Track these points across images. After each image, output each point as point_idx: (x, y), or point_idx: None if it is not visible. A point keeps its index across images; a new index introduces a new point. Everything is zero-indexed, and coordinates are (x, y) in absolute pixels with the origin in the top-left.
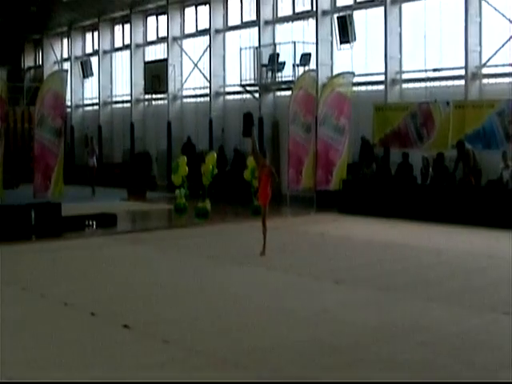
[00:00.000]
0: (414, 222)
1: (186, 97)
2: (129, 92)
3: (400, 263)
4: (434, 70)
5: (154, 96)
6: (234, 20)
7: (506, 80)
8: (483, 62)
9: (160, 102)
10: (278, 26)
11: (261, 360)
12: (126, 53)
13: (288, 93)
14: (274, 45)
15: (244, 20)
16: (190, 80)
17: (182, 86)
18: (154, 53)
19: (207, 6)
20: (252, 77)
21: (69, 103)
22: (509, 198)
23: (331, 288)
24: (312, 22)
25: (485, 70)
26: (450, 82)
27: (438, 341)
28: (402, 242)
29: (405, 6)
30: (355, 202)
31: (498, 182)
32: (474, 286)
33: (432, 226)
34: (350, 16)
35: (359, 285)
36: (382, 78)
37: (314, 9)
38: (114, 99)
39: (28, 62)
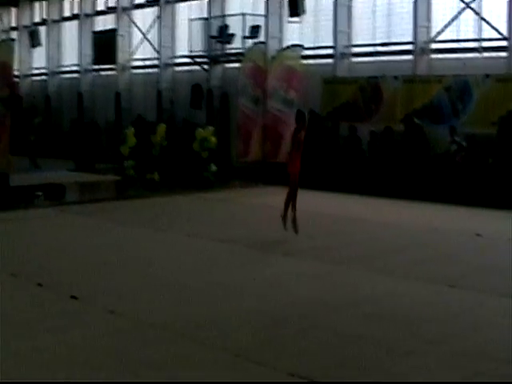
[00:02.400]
0: (362, 195)
1: (135, 68)
2: (77, 62)
3: (347, 236)
4: (383, 44)
5: (102, 66)
6: None
7: (454, 56)
8: (432, 37)
9: (109, 72)
10: None
11: (211, 332)
12: (75, 23)
13: (237, 65)
14: (224, 17)
15: None
16: (139, 51)
17: (131, 56)
18: (104, 23)
19: None
20: (201, 48)
21: (17, 73)
22: (455, 172)
23: (279, 260)
24: None
25: (433, 46)
26: (398, 57)
27: (385, 313)
28: (350, 215)
29: None
30: (303, 174)
31: (445, 156)
32: (420, 258)
33: (380, 200)
34: None
35: (307, 257)
36: (331, 51)
37: None
38: (63, 69)
39: None
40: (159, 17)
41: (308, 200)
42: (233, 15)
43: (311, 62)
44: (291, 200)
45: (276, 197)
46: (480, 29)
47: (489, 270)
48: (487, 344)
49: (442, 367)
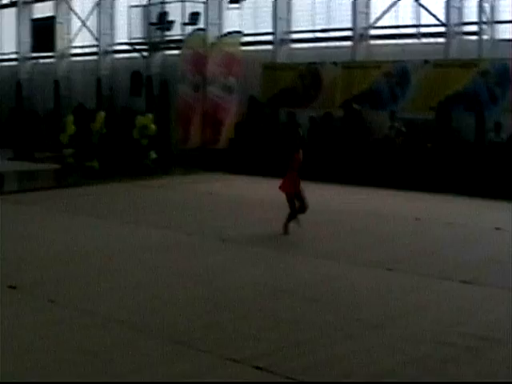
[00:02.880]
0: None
1: (75, 55)
2: (16, 50)
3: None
4: (323, 30)
5: (41, 54)
6: None
7: (393, 42)
8: (371, 23)
9: (48, 60)
10: None
11: (152, 319)
12: (13, 10)
13: (177, 52)
14: (163, 3)
15: None
16: (79, 38)
17: (70, 44)
18: (42, 10)
19: None
20: (141, 35)
21: None
22: (395, 157)
23: (218, 246)
24: None
25: (372, 32)
26: (338, 43)
27: (325, 297)
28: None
29: None
30: (243, 161)
31: (384, 140)
32: (360, 243)
33: (318, 185)
34: None
35: (247, 243)
36: (270, 37)
37: None
38: (1, 57)
39: None
40: (98, 4)
41: (246, 186)
42: (172, 2)
43: (251, 48)
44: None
45: (216, 183)
46: (418, 15)
47: (427, 253)
48: (427, 327)
49: (382, 350)
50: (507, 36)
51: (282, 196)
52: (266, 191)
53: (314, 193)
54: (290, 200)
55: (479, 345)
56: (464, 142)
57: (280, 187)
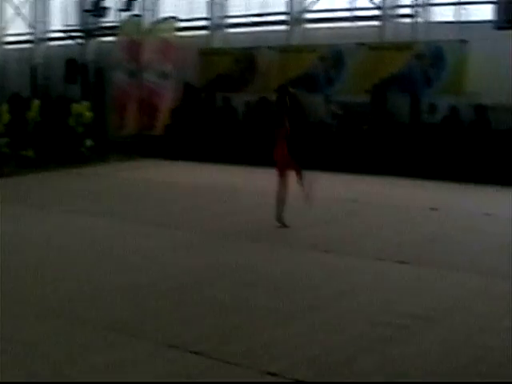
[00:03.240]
0: (237, 165)
1: (8, 43)
2: None
3: (224, 206)
4: (258, 15)
5: None
6: None
7: (328, 25)
8: (306, 7)
9: None
10: None
11: (86, 307)
12: None
13: (112, 39)
14: None
15: None
16: (12, 26)
17: (4, 32)
18: None
19: None
20: (76, 23)
21: None
22: (331, 140)
23: (154, 232)
24: None
25: (307, 16)
26: (273, 27)
27: (261, 281)
28: (226, 185)
29: None
30: (179, 147)
31: (320, 124)
32: (297, 225)
33: (256, 169)
34: None
35: (183, 228)
36: (206, 23)
37: None
38: None
39: None
40: None
41: (182, 172)
42: None
43: (186, 33)
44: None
45: (152, 170)
46: None
47: (363, 234)
48: (363, 307)
49: (320, 331)
50: (441, 18)
51: (216, 181)
52: (201, 177)
53: (255, 177)
54: (280, 170)
55: (414, 323)
56: (399, 124)
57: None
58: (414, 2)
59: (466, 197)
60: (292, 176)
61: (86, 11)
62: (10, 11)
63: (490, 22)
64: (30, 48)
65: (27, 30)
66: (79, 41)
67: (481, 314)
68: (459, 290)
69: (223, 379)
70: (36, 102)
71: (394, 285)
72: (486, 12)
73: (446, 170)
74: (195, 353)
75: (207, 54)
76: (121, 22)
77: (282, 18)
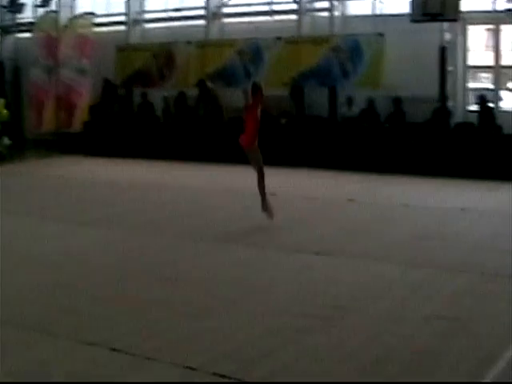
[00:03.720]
0: (157, 160)
1: None
2: None
3: (143, 202)
4: (176, 10)
5: None
6: None
7: (246, 20)
8: (223, 1)
9: None
10: None
11: (2, 306)
12: None
13: (29, 35)
14: None
15: None
16: None
17: None
18: None
19: None
20: None
21: None
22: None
23: (75, 230)
24: None
25: (225, 10)
26: (191, 22)
27: (181, 276)
28: (145, 181)
29: None
30: (99, 143)
31: (238, 119)
32: (216, 219)
33: (176, 164)
34: None
35: (103, 226)
36: (123, 18)
37: None
38: None
39: None
40: None
41: (100, 168)
42: None
43: (104, 29)
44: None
45: (71, 167)
46: None
47: (283, 227)
48: (284, 299)
49: (240, 325)
50: (358, 12)
51: (140, 176)
52: (123, 173)
53: (170, 173)
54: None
55: (333, 314)
56: (317, 117)
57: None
58: None
59: (385, 188)
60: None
61: (2, 7)
62: None
63: (406, 15)
64: None
65: None
66: None
67: (399, 303)
68: (377, 280)
69: (143, 375)
70: None
71: (314, 276)
72: (402, 5)
73: (364, 161)
74: (115, 350)
75: (125, 49)
76: (37, 18)
77: (200, 12)
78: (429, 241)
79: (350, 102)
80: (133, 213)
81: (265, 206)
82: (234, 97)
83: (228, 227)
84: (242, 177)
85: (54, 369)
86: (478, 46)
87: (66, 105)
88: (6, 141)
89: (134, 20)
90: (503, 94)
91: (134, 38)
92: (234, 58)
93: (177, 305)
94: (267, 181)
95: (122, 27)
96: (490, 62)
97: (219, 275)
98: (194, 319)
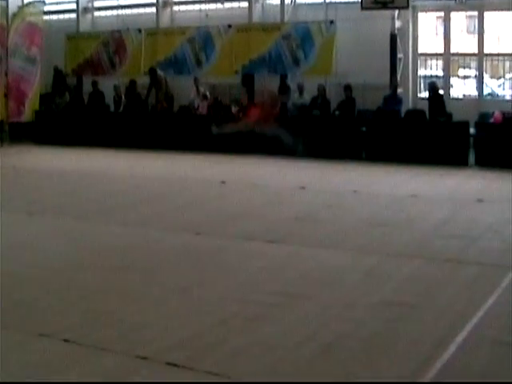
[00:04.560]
0: (109, 149)
1: None
2: None
3: (95, 191)
4: None
5: None
6: None
7: (197, 7)
8: None
9: None
10: None
11: None
12: None
13: None
14: None
15: None
16: None
17: None
18: None
19: None
20: None
21: None
22: (200, 122)
23: (24, 220)
24: None
25: None
26: (142, 10)
27: (132, 264)
28: (97, 170)
29: None
30: (50, 132)
31: (189, 106)
32: (168, 208)
33: (127, 153)
34: None
35: (54, 215)
36: (73, 6)
37: None
38: None
39: None
40: None
41: (54, 157)
42: None
43: (54, 17)
44: None
45: (22, 156)
46: None
47: (234, 215)
48: (235, 287)
49: (191, 313)
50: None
51: (91, 166)
52: (74, 162)
53: (120, 161)
54: None
55: (285, 301)
56: None
57: None
58: None
59: (336, 175)
60: None
61: None
62: None
63: (356, 2)
64: None
65: None
66: None
67: (350, 290)
68: (328, 267)
69: (95, 366)
70: None
71: (265, 264)
72: None
73: (315, 149)
74: (66, 340)
75: (75, 37)
76: None
77: (151, 0)
78: (380, 227)
79: (300, 89)
80: (82, 201)
81: None
82: (184, 85)
83: (178, 216)
84: (191, 165)
85: (5, 361)
86: (428, 34)
87: (15, 94)
88: None
89: (84, 8)
90: (453, 81)
91: (84, 26)
92: (185, 46)
93: (128, 294)
94: (219, 168)
95: (72, 15)
96: (441, 49)
97: (170, 263)
98: (145, 308)
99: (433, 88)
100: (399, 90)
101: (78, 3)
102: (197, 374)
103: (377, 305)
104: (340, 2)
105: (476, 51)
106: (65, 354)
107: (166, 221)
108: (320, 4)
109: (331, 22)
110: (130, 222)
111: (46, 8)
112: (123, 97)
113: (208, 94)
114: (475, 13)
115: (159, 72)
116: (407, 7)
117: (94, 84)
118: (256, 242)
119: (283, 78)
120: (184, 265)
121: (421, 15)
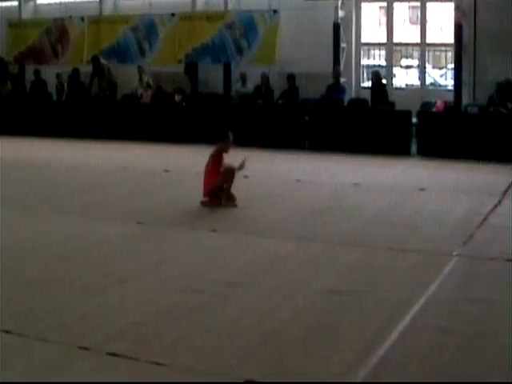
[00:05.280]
0: (51, 138)
1: None
2: None
3: (37, 181)
4: None
5: None
6: None
7: None
8: None
9: None
10: None
11: None
12: None
13: None
14: None
15: None
16: None
17: None
18: None
19: None
20: None
21: None
22: (144, 111)
23: None
24: None
25: None
26: None
27: (74, 254)
28: (39, 159)
29: None
30: None
31: (132, 96)
32: (110, 197)
33: (70, 142)
34: None
35: None
36: None
37: None
38: None
39: None
40: None
41: None
42: None
43: None
44: None
45: None
46: None
47: (177, 204)
48: (176, 277)
49: (133, 303)
50: None
51: (33, 155)
52: (15, 151)
53: (62, 151)
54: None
55: (227, 291)
56: (212, 94)
57: None
58: None
59: (278, 164)
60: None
61: None
62: None
63: None
64: None
65: None
66: None
67: (291, 278)
68: (270, 256)
69: (35, 357)
70: None
71: (206, 253)
72: None
73: (257, 138)
74: (6, 331)
75: (17, 25)
76: None
77: None
78: (322, 216)
79: (244, 78)
80: (24, 191)
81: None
82: (127, 74)
83: (120, 205)
84: (135, 154)
85: None
86: (371, 24)
87: None
88: None
89: None
90: (396, 70)
91: (27, 14)
92: (129, 35)
93: (70, 284)
94: (164, 157)
95: (14, 2)
96: (383, 39)
97: (111, 252)
98: (85, 299)
99: (376, 77)
100: (342, 79)
101: None
102: (139, 364)
103: (319, 293)
104: None
105: (419, 41)
106: (6, 345)
107: (109, 210)
108: None
109: (274, 11)
110: (72, 212)
111: None
112: (66, 85)
113: (151, 82)
114: (418, 3)
115: (102, 60)
116: None
117: (37, 72)
118: (198, 231)
119: (227, 66)
120: (125, 254)
121: (364, 5)
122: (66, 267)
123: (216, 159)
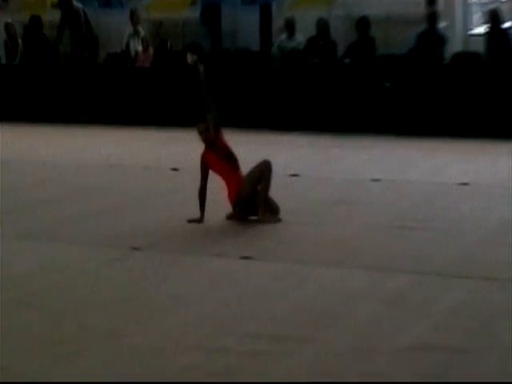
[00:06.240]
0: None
1: None
2: None
3: None
4: None
5: None
6: None
7: None
8: None
9: None
10: None
11: None
12: None
13: None
14: None
15: None
16: None
17: None
18: None
19: None
20: None
21: None
22: (136, 80)
23: None
24: None
25: None
26: None
27: (42, 297)
28: None
29: None
30: None
31: (122, 56)
32: (88, 212)
33: (29, 128)
34: None
35: None
36: None
37: None
38: None
39: None
40: None
41: None
42: None
43: None
44: None
45: None
46: None
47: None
48: (193, 328)
49: (130, 369)
50: None
51: None
52: None
53: (19, 140)
54: None
55: (269, 349)
56: (243, 51)
57: None
58: None
59: (343, 156)
60: None
61: None
62: None
63: None
64: None
65: None
66: None
67: (369, 332)
68: (334, 295)
69: None
70: None
71: (237, 292)
72: None
73: (312, 117)
74: None
75: None
76: None
77: None
78: (413, 233)
79: (291, 27)
80: None
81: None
82: (114, 23)
83: (105, 224)
84: (126, 144)
85: None
86: None
87: None
88: None
89: None
90: None
91: None
92: None
93: (32, 341)
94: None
95: None
96: None
97: (94, 293)
98: (57, 363)
99: (494, 19)
100: (441, 24)
101: None
102: None
103: (407, 351)
104: None
105: None
106: None
107: (89, 230)
108: None
109: None
110: (34, 234)
111: None
112: (20, 41)
113: (150, 36)
114: None
115: (76, 3)
116: None
117: None
118: (225, 259)
119: (265, 10)
120: (115, 297)
121: None
122: (27, 316)
123: (214, 154)
